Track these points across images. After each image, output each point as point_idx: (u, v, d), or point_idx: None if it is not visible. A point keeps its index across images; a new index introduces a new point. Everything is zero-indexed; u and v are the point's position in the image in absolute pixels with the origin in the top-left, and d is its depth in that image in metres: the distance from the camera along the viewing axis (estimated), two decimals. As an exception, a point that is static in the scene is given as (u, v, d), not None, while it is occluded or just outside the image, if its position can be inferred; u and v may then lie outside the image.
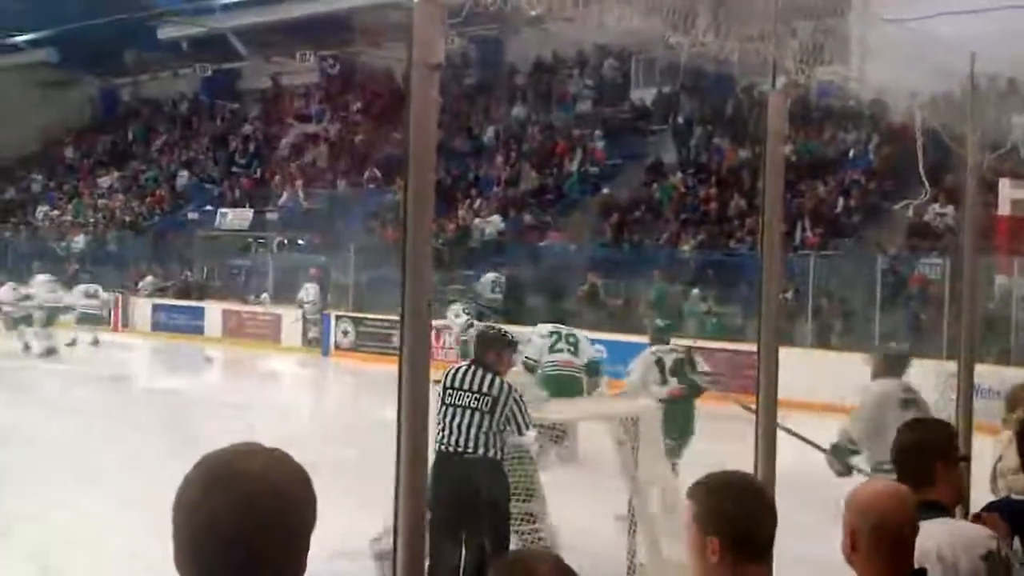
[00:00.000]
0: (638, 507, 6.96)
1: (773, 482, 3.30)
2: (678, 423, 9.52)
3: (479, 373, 6.46)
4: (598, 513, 7.75)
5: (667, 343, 10.62)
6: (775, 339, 3.45)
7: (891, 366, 7.08)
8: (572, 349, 11.50)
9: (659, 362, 10.17)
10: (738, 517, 2.38)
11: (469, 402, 6.32)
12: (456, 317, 17.49)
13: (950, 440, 3.30)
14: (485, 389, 6.37)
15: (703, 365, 10.79)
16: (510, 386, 6.50)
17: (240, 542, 1.52)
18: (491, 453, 6.33)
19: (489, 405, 6.32)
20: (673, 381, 10.06)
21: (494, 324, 8.91)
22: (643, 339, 19.21)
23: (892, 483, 2.79)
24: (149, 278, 28.64)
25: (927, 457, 3.13)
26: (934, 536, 2.92)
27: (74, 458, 11.11)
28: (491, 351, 6.69)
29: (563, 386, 10.63)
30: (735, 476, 2.54)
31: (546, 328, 11.83)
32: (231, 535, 1.52)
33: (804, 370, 13.62)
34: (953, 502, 3.23)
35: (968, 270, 5.09)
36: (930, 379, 15.27)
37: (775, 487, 3.22)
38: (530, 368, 10.99)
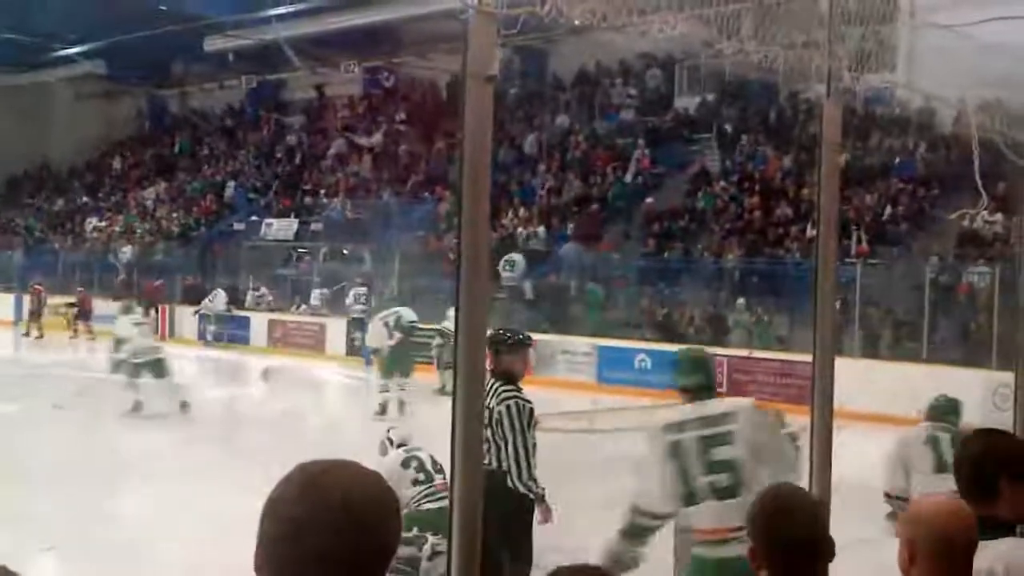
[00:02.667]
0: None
1: (828, 494, 3.27)
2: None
3: (488, 383, 5.95)
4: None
5: None
6: (831, 351, 3.41)
7: None
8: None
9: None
10: (776, 527, 2.42)
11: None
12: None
13: (1018, 454, 3.13)
14: (486, 400, 5.88)
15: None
16: (507, 400, 6.07)
17: (328, 553, 1.52)
18: (504, 466, 5.99)
19: (487, 416, 5.89)
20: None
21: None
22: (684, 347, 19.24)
23: (953, 497, 2.73)
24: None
25: (992, 471, 3.00)
26: (995, 555, 2.82)
27: (119, 465, 11.21)
28: (503, 356, 6.26)
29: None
30: (783, 488, 2.55)
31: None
32: (319, 546, 1.52)
33: (853, 380, 13.49)
34: (1018, 519, 3.06)
35: (1023, 279, 5.02)
36: (979, 389, 15.16)
37: (830, 499, 3.19)
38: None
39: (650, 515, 4.77)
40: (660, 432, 4.77)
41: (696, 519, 4.67)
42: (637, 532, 4.79)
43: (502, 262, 22.67)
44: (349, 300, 23.87)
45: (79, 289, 29.50)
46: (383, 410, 15.32)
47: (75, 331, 28.47)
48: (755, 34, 3.76)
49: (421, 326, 17.18)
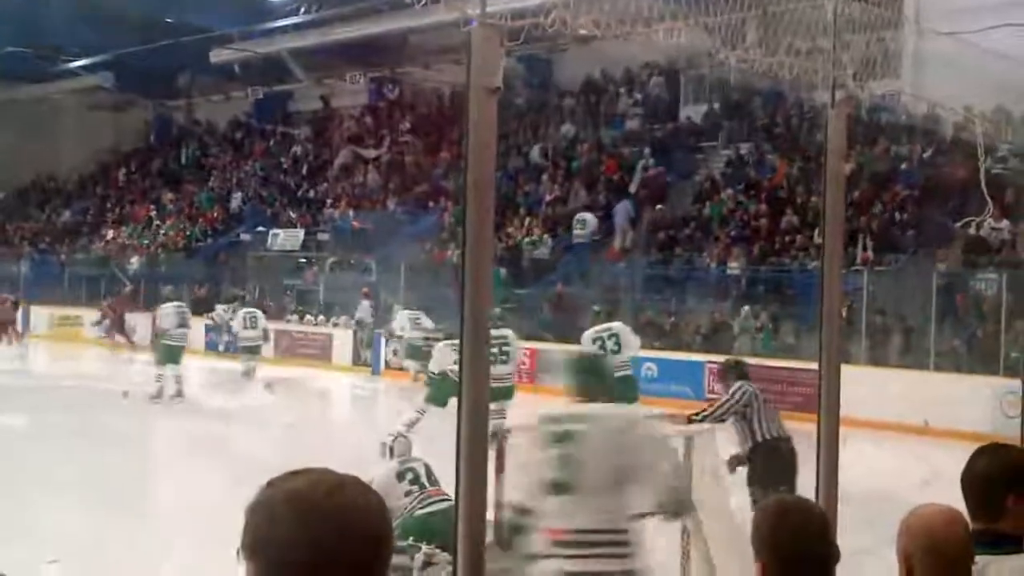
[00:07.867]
0: (693, 531, 6.87)
1: (835, 503, 3.25)
2: None
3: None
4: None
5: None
6: (837, 359, 3.41)
7: None
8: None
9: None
10: (786, 542, 2.39)
11: None
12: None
13: None
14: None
15: None
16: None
17: (319, 573, 1.50)
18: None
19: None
20: None
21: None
22: (692, 355, 19.28)
23: (946, 507, 2.70)
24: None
25: (998, 487, 2.95)
26: (1005, 572, 2.80)
27: (127, 479, 11.21)
28: None
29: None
30: (788, 500, 2.55)
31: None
32: (308, 566, 1.50)
33: (860, 388, 13.45)
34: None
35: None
36: (987, 396, 15.09)
37: (836, 508, 3.18)
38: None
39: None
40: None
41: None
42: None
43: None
44: (359, 311, 24.11)
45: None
46: (159, 394, 17.79)
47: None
48: (759, 42, 3.76)
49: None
